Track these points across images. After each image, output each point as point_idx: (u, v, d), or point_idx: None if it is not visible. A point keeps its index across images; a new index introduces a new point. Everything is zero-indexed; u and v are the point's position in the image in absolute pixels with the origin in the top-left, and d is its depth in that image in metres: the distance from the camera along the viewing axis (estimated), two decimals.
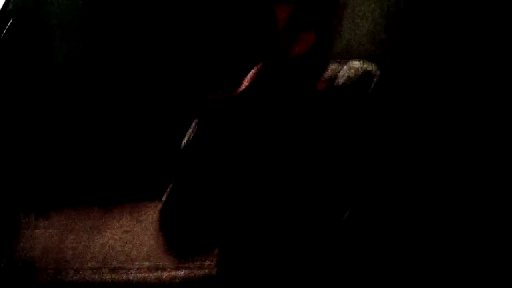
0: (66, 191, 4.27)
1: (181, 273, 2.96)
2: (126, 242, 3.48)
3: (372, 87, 1.30)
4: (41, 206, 4.10)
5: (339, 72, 1.34)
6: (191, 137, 1.34)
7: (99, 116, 4.25)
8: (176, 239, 1.40)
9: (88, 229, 3.69)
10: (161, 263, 3.10)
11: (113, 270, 3.11)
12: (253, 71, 1.26)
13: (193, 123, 1.35)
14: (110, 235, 3.56)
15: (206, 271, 2.87)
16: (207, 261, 2.90)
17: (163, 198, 1.40)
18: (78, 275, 3.04)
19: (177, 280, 2.98)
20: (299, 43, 1.22)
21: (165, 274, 3.02)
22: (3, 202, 3.01)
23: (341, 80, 1.32)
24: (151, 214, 4.04)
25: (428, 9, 2.09)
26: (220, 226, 1.38)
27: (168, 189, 1.38)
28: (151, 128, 4.51)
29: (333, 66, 1.37)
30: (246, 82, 1.25)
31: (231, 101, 1.23)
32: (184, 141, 1.36)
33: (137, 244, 3.42)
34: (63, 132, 4.25)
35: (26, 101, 4.13)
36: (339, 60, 1.39)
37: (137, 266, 3.10)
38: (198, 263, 2.84)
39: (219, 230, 1.38)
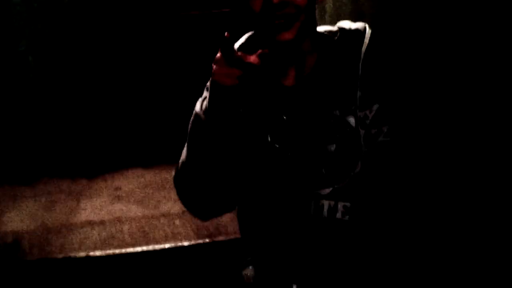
0: (51, 162, 4.31)
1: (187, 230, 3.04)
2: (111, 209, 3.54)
3: (365, 45, 1.33)
4: (28, 177, 4.14)
5: (330, 31, 1.39)
6: (207, 104, 1.29)
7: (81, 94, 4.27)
8: (193, 200, 1.41)
9: (74, 197, 3.75)
10: (156, 228, 3.17)
11: (99, 234, 3.17)
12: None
13: (205, 91, 1.34)
14: (95, 202, 3.63)
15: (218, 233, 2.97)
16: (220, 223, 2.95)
17: (179, 164, 1.38)
18: (65, 240, 3.09)
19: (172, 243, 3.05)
20: None
21: (157, 240, 3.08)
22: None
23: (333, 40, 1.36)
24: (133, 180, 4.10)
25: None
26: (234, 189, 1.35)
27: (184, 155, 1.36)
28: (129, 99, 4.54)
29: (322, 28, 1.40)
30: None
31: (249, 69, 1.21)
32: (199, 107, 1.31)
33: (124, 209, 3.49)
34: (46, 108, 4.26)
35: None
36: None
37: (127, 228, 3.17)
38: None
39: (233, 192, 1.36)
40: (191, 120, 1.36)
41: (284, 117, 1.36)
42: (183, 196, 1.44)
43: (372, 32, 1.39)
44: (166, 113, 4.40)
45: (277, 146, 1.35)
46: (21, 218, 3.45)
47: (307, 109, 1.35)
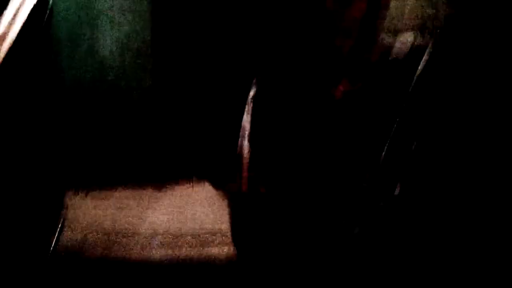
0: (118, 169, 4.35)
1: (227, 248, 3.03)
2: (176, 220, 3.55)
3: (423, 64, 1.32)
4: (93, 184, 4.18)
5: (392, 45, 1.38)
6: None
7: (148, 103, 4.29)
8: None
9: (140, 207, 3.76)
10: (209, 240, 3.17)
11: (161, 246, 3.19)
12: None
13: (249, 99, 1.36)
14: (161, 213, 3.63)
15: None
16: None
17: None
18: (127, 252, 3.13)
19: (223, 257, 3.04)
20: (352, 8, 1.20)
21: (213, 250, 3.08)
22: (53, 181, 3.06)
23: (394, 55, 1.36)
24: (200, 192, 4.07)
25: None
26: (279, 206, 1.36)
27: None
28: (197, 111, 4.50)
29: (384, 38, 1.35)
30: None
31: None
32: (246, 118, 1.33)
33: (188, 220, 3.48)
34: (115, 115, 4.28)
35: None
36: (390, 32, 1.43)
37: (186, 242, 3.18)
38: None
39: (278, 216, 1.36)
40: None
41: None
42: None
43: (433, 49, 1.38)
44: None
45: None
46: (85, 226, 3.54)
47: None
